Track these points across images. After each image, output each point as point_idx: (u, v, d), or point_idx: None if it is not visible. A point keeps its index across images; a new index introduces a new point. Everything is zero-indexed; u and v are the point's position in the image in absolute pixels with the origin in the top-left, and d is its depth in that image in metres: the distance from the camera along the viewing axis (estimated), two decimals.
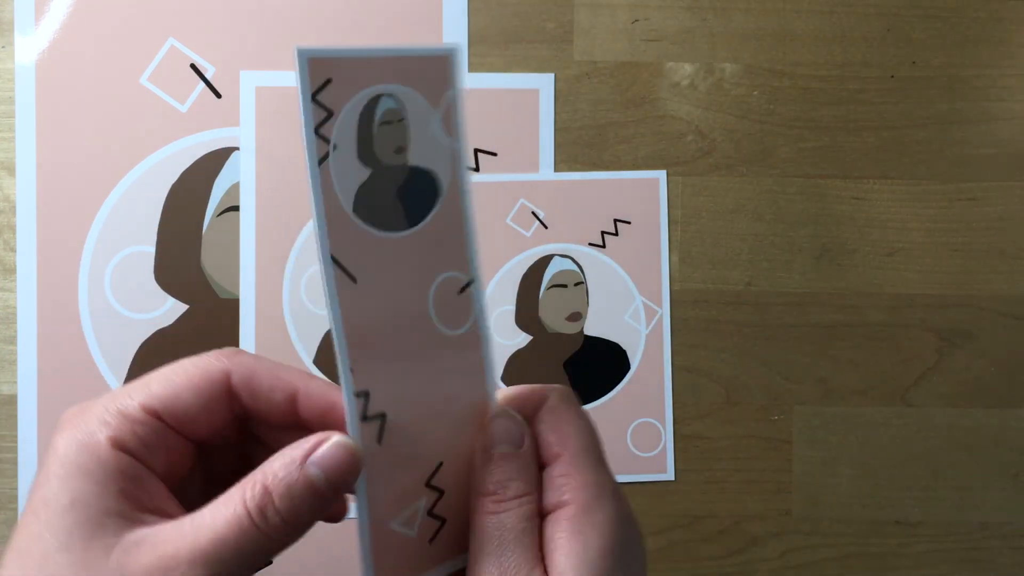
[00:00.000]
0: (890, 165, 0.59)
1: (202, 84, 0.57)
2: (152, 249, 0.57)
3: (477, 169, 0.58)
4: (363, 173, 0.28)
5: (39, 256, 0.57)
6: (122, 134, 0.57)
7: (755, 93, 0.58)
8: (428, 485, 0.29)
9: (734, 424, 0.58)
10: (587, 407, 0.58)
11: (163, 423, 0.26)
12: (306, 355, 0.57)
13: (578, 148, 0.58)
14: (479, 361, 0.30)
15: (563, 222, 0.58)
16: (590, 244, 0.58)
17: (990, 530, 0.59)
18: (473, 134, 0.58)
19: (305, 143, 0.26)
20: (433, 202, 0.30)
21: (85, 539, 0.23)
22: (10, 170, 0.57)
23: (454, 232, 0.30)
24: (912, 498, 0.58)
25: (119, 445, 0.25)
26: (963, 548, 0.58)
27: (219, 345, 0.59)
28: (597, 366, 0.58)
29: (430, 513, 0.30)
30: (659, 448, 0.58)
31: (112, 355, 0.57)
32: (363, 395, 0.27)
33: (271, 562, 0.26)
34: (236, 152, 0.57)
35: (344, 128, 0.27)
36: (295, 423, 0.27)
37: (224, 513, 0.24)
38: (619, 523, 0.27)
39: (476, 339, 0.30)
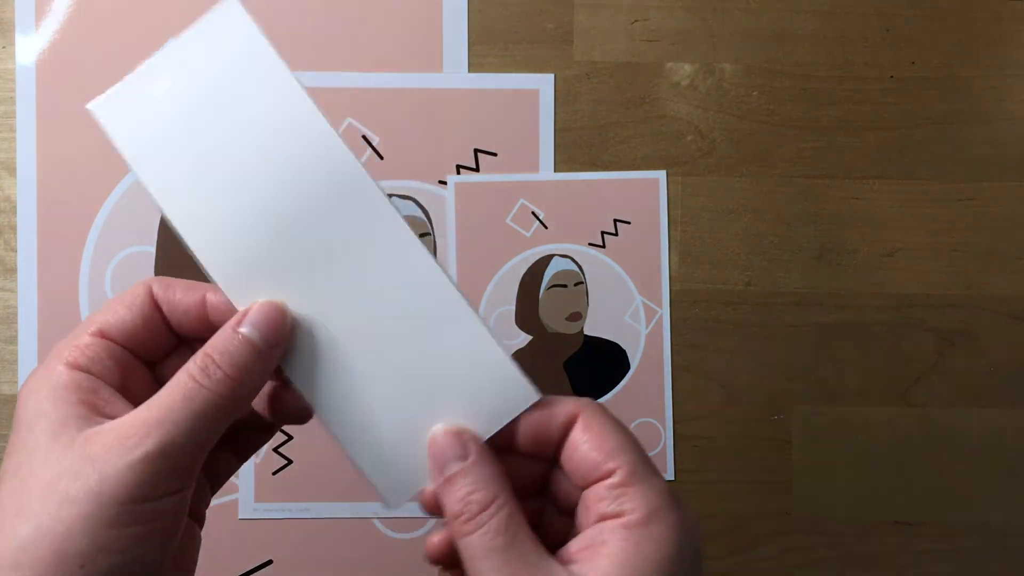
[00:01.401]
0: (890, 165, 0.59)
1: None
2: (153, 249, 0.57)
3: (477, 169, 0.58)
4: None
5: (40, 256, 0.57)
6: None
7: (755, 93, 0.58)
8: None
9: (734, 424, 0.58)
10: None
11: (109, 340, 0.28)
12: None
13: (578, 148, 0.58)
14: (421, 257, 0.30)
15: (563, 222, 0.58)
16: (590, 244, 0.58)
17: (990, 530, 0.59)
18: (473, 134, 0.58)
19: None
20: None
21: (50, 441, 0.26)
22: (11, 170, 0.57)
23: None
24: (912, 498, 0.58)
25: (72, 365, 0.27)
26: (963, 548, 0.58)
27: None
28: (597, 366, 0.58)
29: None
30: (659, 448, 0.58)
31: None
32: None
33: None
34: None
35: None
36: (212, 332, 0.28)
37: (172, 385, 0.27)
38: (678, 538, 0.27)
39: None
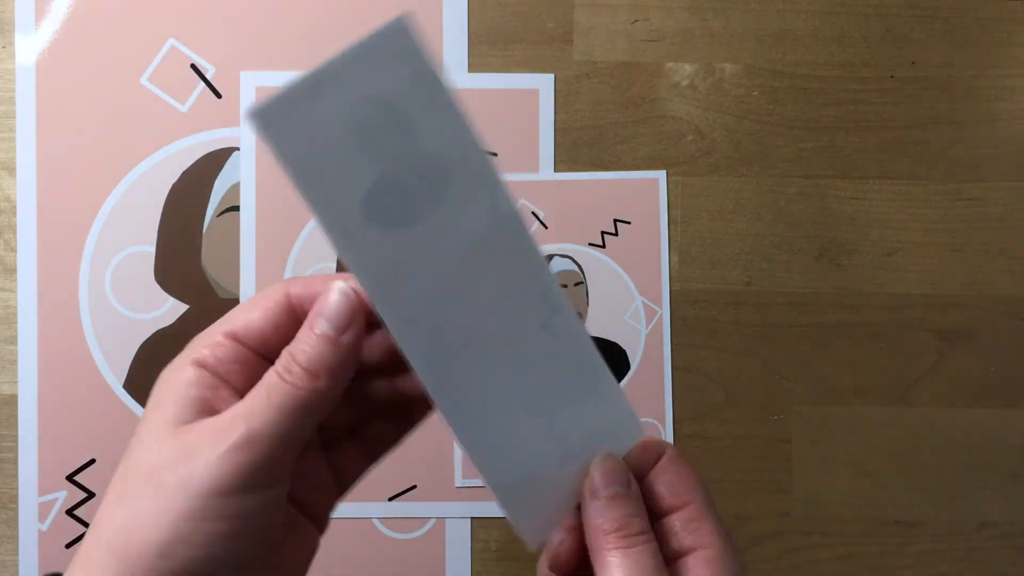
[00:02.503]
0: (890, 165, 0.59)
1: (202, 84, 0.57)
2: (152, 249, 0.57)
3: None
4: None
5: (39, 256, 0.57)
6: (122, 134, 0.57)
7: (755, 93, 0.58)
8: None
9: (734, 424, 0.58)
10: None
11: (239, 343, 0.29)
12: None
13: (578, 148, 0.58)
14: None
15: (563, 222, 0.58)
16: (590, 244, 0.58)
17: (990, 530, 0.59)
18: None
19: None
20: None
21: (159, 431, 0.27)
22: (10, 170, 0.57)
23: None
24: (912, 498, 0.58)
25: (199, 363, 0.29)
26: (963, 548, 0.58)
27: None
28: None
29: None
30: None
31: (112, 355, 0.57)
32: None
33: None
34: (236, 152, 0.57)
35: None
36: None
37: (261, 383, 0.28)
38: (741, 572, 0.30)
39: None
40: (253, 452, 0.26)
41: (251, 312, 0.30)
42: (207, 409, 0.28)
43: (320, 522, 0.32)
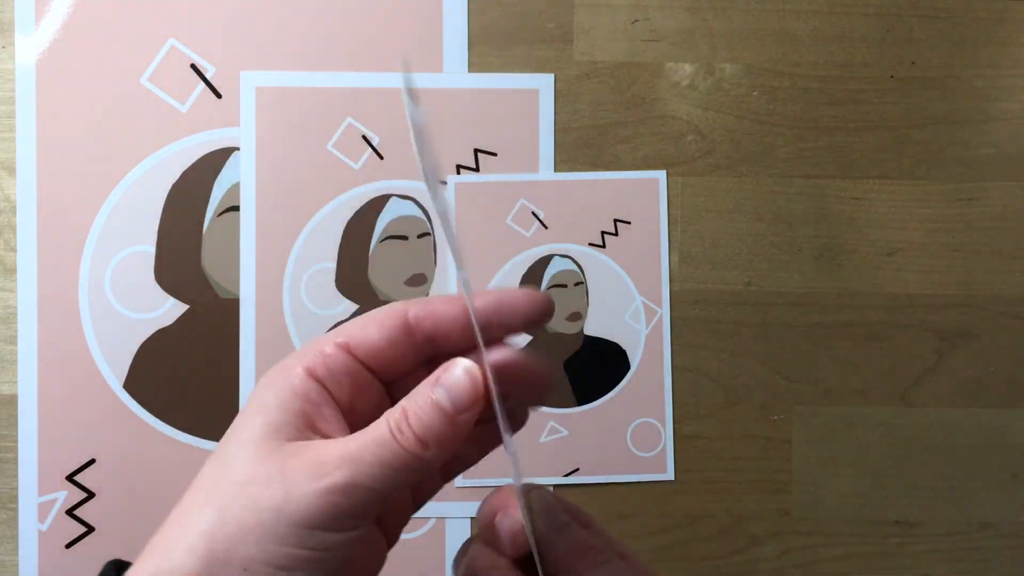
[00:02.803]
0: (890, 165, 0.59)
1: (202, 84, 0.57)
2: (152, 249, 0.57)
3: (477, 169, 0.58)
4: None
5: (39, 256, 0.57)
6: (122, 134, 0.57)
7: (755, 93, 0.58)
8: None
9: (734, 424, 0.58)
10: (587, 407, 0.58)
11: (352, 356, 0.29)
12: None
13: (578, 148, 0.58)
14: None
15: (563, 222, 0.58)
16: (590, 244, 0.58)
17: (990, 530, 0.59)
18: (473, 134, 0.58)
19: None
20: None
21: (258, 441, 0.27)
22: (10, 170, 0.57)
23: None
24: (912, 498, 0.58)
25: (309, 372, 0.28)
26: (963, 548, 0.58)
27: (220, 345, 0.59)
28: (597, 366, 0.58)
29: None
30: (659, 448, 0.58)
31: (112, 355, 0.57)
32: None
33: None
34: (236, 152, 0.57)
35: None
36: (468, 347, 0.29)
37: (372, 429, 0.27)
38: None
39: None
40: (350, 499, 0.26)
41: (368, 327, 0.30)
42: (309, 425, 0.28)
43: (392, 537, 0.32)
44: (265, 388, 0.29)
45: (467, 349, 0.29)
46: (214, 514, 0.26)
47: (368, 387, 0.30)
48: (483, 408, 0.28)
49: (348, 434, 0.28)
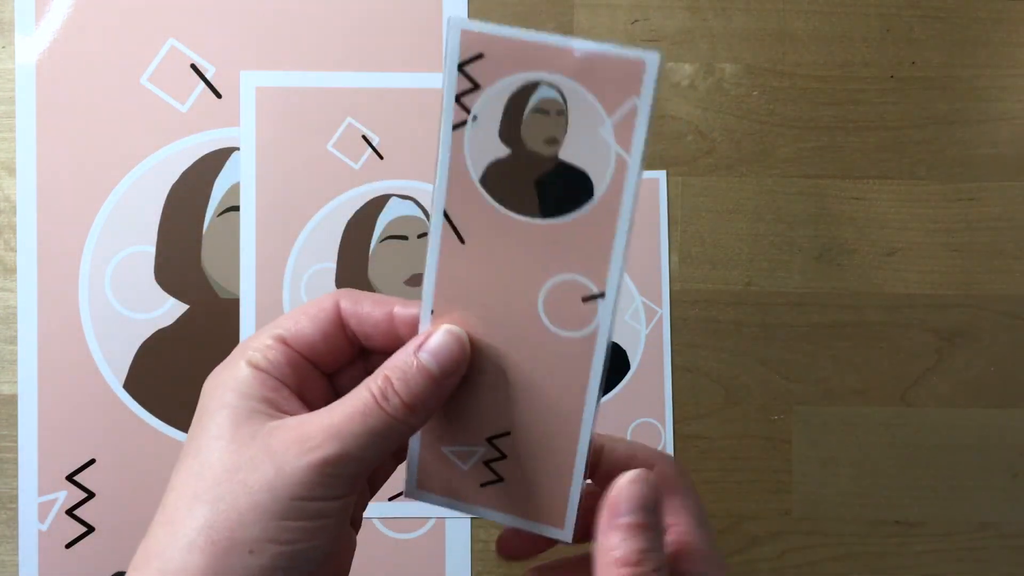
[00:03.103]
0: (890, 165, 0.59)
1: (202, 84, 0.57)
2: (152, 249, 0.57)
3: None
4: (501, 150, 0.29)
5: (39, 256, 0.57)
6: (122, 134, 0.57)
7: (755, 93, 0.58)
8: (489, 441, 0.31)
9: (734, 424, 0.58)
10: None
11: (290, 347, 0.30)
12: None
13: None
14: (584, 371, 0.31)
15: None
16: None
17: (990, 530, 0.59)
18: None
19: (443, 106, 0.28)
20: (579, 203, 0.28)
21: (233, 430, 0.27)
22: (10, 170, 0.57)
23: (597, 241, 0.29)
24: (912, 498, 0.58)
25: (253, 365, 0.29)
26: (963, 548, 0.58)
27: (220, 345, 0.59)
28: None
29: (487, 464, 0.32)
30: (659, 448, 0.58)
31: (112, 355, 0.57)
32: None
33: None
34: (236, 152, 0.57)
35: (489, 103, 0.28)
36: (399, 344, 0.30)
37: (353, 398, 0.28)
38: None
39: (587, 350, 0.30)
40: (343, 469, 0.27)
41: (300, 319, 0.30)
42: (275, 407, 0.28)
43: (356, 522, 0.34)
44: (216, 387, 0.29)
45: (392, 351, 0.29)
46: (207, 508, 0.26)
47: (312, 377, 0.31)
48: (464, 372, 0.29)
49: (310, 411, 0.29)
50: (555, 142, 0.29)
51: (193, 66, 0.57)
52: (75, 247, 0.57)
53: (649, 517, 0.28)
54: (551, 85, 0.28)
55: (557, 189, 0.29)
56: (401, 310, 0.30)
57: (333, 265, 0.57)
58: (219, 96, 0.57)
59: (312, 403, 0.30)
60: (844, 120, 0.58)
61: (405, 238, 0.58)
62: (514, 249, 0.29)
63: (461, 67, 0.28)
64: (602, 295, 0.29)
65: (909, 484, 0.58)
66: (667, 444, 0.58)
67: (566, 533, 0.33)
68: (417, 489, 0.33)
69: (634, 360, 0.58)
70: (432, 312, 0.30)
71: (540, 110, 0.29)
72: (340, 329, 0.31)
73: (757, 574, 0.58)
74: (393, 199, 0.58)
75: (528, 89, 0.29)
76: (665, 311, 0.58)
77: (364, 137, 0.58)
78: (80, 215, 0.57)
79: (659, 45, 0.58)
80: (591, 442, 0.31)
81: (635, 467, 0.29)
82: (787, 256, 0.58)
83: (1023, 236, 0.59)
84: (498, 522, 0.33)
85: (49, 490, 0.56)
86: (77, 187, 0.57)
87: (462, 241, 0.29)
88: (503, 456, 0.31)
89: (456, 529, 0.57)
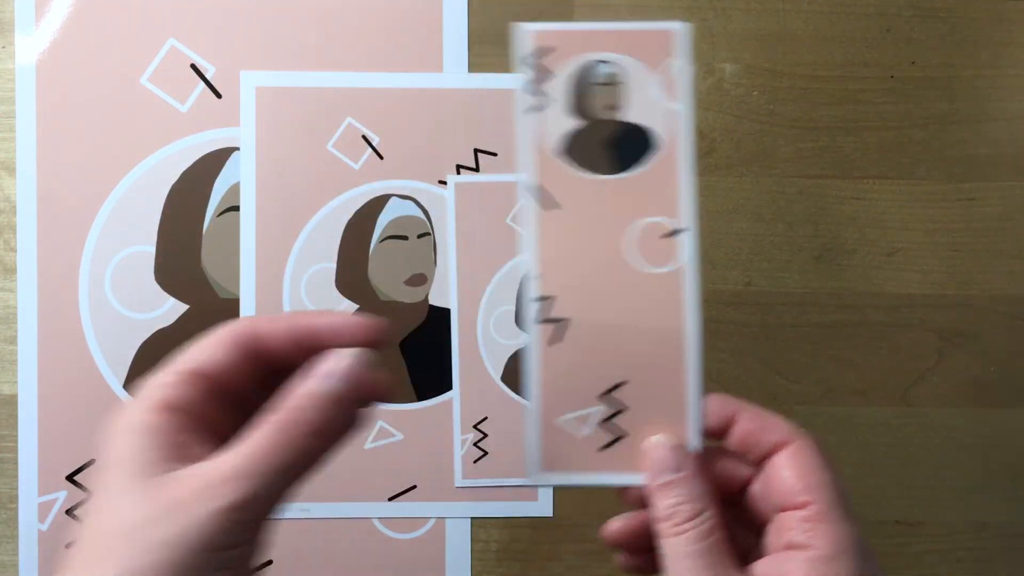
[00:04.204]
0: (890, 165, 0.59)
1: (202, 84, 0.57)
2: (152, 249, 0.57)
3: (477, 169, 0.58)
4: (572, 123, 0.35)
5: (39, 256, 0.57)
6: (122, 134, 0.57)
7: (755, 93, 0.58)
8: (605, 396, 0.34)
9: None
10: None
11: (195, 376, 0.29)
12: None
13: None
14: (678, 300, 0.34)
15: None
16: None
17: (990, 530, 0.59)
18: (473, 134, 0.58)
19: (519, 96, 0.35)
20: (646, 156, 0.35)
21: (132, 484, 0.26)
22: (10, 170, 0.57)
23: (667, 183, 0.34)
24: (912, 498, 0.58)
25: (157, 406, 0.28)
26: (963, 548, 0.58)
27: None
28: None
29: (605, 422, 0.34)
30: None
31: (112, 355, 0.57)
32: (546, 299, 0.34)
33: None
34: (236, 152, 0.57)
35: (556, 87, 0.35)
36: (302, 359, 0.30)
37: (256, 436, 0.27)
38: None
39: (678, 280, 0.34)
40: (251, 512, 0.26)
41: (202, 346, 0.29)
42: (177, 455, 0.27)
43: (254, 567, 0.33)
44: (116, 436, 0.28)
45: (300, 364, 0.29)
46: (115, 567, 0.25)
47: (224, 407, 0.29)
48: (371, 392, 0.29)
49: (218, 452, 0.27)
50: (615, 108, 0.35)
51: (193, 66, 0.57)
52: (75, 247, 0.57)
53: (668, 475, 0.32)
54: (605, 62, 0.35)
55: (625, 147, 0.35)
56: (300, 320, 0.30)
57: (333, 265, 0.57)
58: (219, 96, 0.57)
59: (226, 432, 0.29)
60: (844, 120, 0.58)
61: (405, 238, 0.58)
62: (598, 205, 0.34)
63: (530, 61, 0.35)
64: (681, 230, 0.34)
65: (909, 484, 0.58)
66: None
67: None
68: (541, 471, 0.34)
69: None
70: (540, 276, 0.34)
71: (599, 84, 0.35)
72: (243, 351, 0.29)
73: None
74: (393, 199, 0.58)
75: (587, 68, 0.35)
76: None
77: (364, 137, 0.58)
78: (80, 215, 0.57)
79: None
80: (702, 373, 0.34)
81: (767, 442, 0.32)
82: (787, 256, 0.58)
83: (1023, 236, 0.59)
84: (622, 485, 0.35)
85: (49, 490, 0.56)
86: (77, 187, 0.57)
87: (551, 208, 0.34)
88: (620, 411, 0.34)
89: (456, 529, 0.57)
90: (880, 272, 0.58)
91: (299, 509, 0.57)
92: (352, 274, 0.57)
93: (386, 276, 0.58)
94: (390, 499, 0.57)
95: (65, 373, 0.56)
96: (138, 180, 0.57)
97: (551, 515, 0.58)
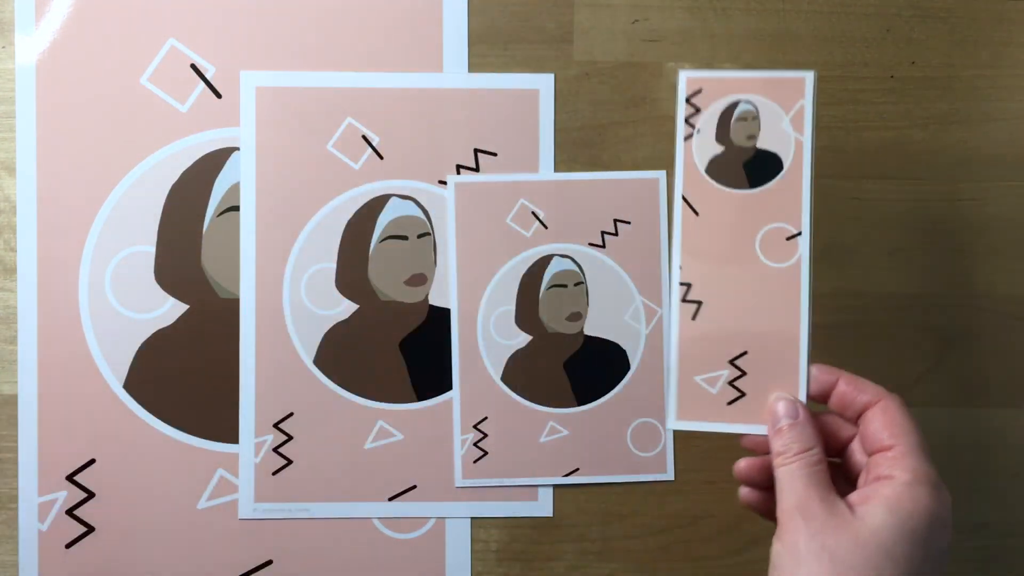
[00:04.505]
0: (890, 165, 0.59)
1: (202, 84, 0.57)
2: (152, 249, 0.57)
3: (477, 169, 0.58)
4: (718, 149, 0.45)
5: (39, 256, 0.57)
6: (122, 134, 0.57)
7: None
8: (732, 363, 0.45)
9: None
10: (587, 407, 0.58)
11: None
12: (306, 355, 0.57)
13: (578, 148, 0.58)
14: (795, 291, 0.45)
15: (563, 222, 0.58)
16: (590, 244, 0.58)
17: (990, 530, 0.59)
18: (473, 134, 0.58)
19: (677, 126, 0.46)
20: (775, 174, 0.45)
21: None
22: (10, 170, 0.57)
23: (791, 197, 0.45)
24: None
25: None
26: (963, 548, 0.58)
27: (220, 345, 0.59)
28: (597, 366, 0.58)
29: (731, 383, 0.45)
30: (659, 448, 0.58)
31: (112, 355, 0.57)
32: (686, 285, 0.46)
33: None
34: (236, 152, 0.57)
35: (707, 120, 0.45)
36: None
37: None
38: (933, 504, 0.39)
39: (795, 275, 0.45)
40: None
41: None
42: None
43: None
44: None
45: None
46: None
47: None
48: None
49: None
50: (753, 137, 0.45)
51: (193, 66, 0.57)
52: (75, 247, 0.57)
53: (786, 422, 0.42)
54: (747, 102, 0.45)
55: (759, 168, 0.45)
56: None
57: (333, 265, 0.57)
58: (219, 96, 0.57)
59: None
60: (844, 120, 0.58)
61: (405, 238, 0.58)
62: (735, 213, 0.45)
63: (687, 99, 0.45)
64: (800, 233, 0.45)
65: None
66: (667, 444, 0.58)
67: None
68: (677, 420, 0.45)
69: (634, 360, 0.58)
70: (681, 268, 0.45)
71: (742, 118, 0.45)
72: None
73: (757, 574, 0.58)
74: (393, 199, 0.58)
75: (732, 106, 0.45)
76: (665, 311, 0.58)
77: (364, 137, 0.58)
78: (80, 215, 0.57)
79: (659, 45, 0.58)
80: (809, 345, 0.45)
81: (860, 402, 0.42)
82: None
83: (1023, 236, 0.59)
84: (744, 433, 0.45)
85: (49, 490, 0.56)
86: (77, 187, 0.57)
87: (696, 214, 0.46)
88: (743, 373, 0.45)
89: (456, 529, 0.57)
90: (880, 272, 0.58)
91: (298, 509, 0.57)
92: (352, 274, 0.57)
93: (386, 276, 0.58)
94: (390, 499, 0.57)
95: (65, 373, 0.56)
96: (138, 180, 0.57)
97: (551, 515, 0.58)
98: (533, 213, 0.58)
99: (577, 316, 0.58)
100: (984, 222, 0.59)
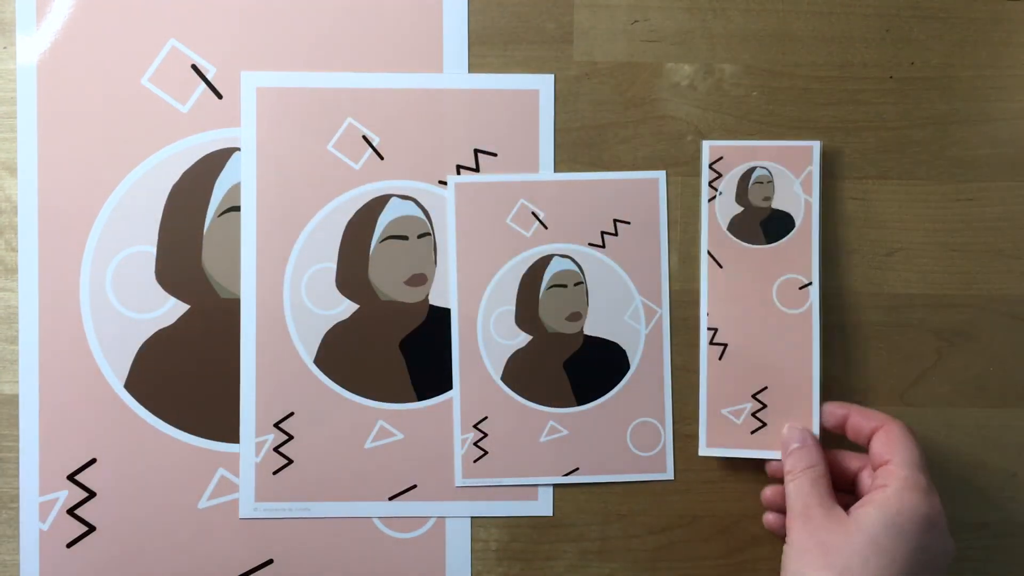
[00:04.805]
0: (890, 165, 0.59)
1: (203, 85, 0.57)
2: (153, 249, 0.57)
3: (477, 169, 0.58)
4: (737, 209, 0.54)
5: (40, 256, 0.57)
6: (123, 134, 0.57)
7: (754, 93, 0.58)
8: (754, 397, 0.54)
9: None
10: (587, 407, 0.58)
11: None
12: (307, 355, 0.57)
13: (578, 148, 0.58)
14: (808, 335, 0.54)
15: (563, 222, 0.58)
16: (590, 244, 0.58)
17: (990, 530, 0.59)
18: (473, 134, 0.58)
19: (702, 189, 0.55)
20: (788, 231, 0.54)
21: None
22: (11, 170, 0.57)
23: (803, 251, 0.54)
24: None
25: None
26: (963, 548, 0.58)
27: (220, 345, 0.60)
28: (597, 366, 0.58)
29: (754, 415, 0.54)
30: (659, 448, 0.58)
31: (113, 355, 0.57)
32: (713, 330, 0.55)
33: None
34: (237, 152, 0.57)
35: (728, 183, 0.54)
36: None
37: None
38: (922, 507, 0.46)
39: (808, 319, 0.53)
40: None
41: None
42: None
43: None
44: None
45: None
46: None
47: None
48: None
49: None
50: (768, 199, 0.53)
51: (194, 66, 0.57)
52: (76, 247, 0.57)
53: (795, 445, 0.52)
54: (762, 167, 0.53)
55: (774, 226, 0.53)
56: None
57: (333, 265, 0.57)
58: (220, 96, 0.57)
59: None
60: (844, 120, 0.58)
61: (405, 238, 0.58)
62: (754, 265, 0.54)
63: (710, 165, 0.54)
64: (811, 283, 0.53)
65: None
66: (667, 444, 0.58)
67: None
68: (707, 447, 0.55)
69: (634, 360, 0.58)
70: (708, 314, 0.55)
71: (758, 182, 0.54)
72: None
73: (757, 574, 0.58)
74: (393, 199, 0.58)
75: (749, 171, 0.54)
76: (665, 311, 0.58)
77: (364, 137, 0.58)
78: (81, 215, 0.57)
79: (659, 45, 0.58)
80: (821, 385, 0.54)
81: (868, 428, 0.51)
82: None
83: (1023, 236, 0.59)
84: (764, 458, 0.55)
85: (50, 490, 0.56)
86: (78, 187, 0.57)
87: (720, 266, 0.54)
88: (764, 406, 0.53)
89: (456, 529, 0.57)
90: (880, 272, 0.58)
91: (299, 509, 0.57)
92: (352, 274, 0.58)
93: (386, 276, 0.58)
94: (390, 499, 0.57)
95: (65, 373, 0.57)
96: (139, 180, 0.57)
97: (551, 515, 0.58)
98: (533, 213, 0.58)
99: (577, 316, 0.58)
100: (984, 222, 0.59)
